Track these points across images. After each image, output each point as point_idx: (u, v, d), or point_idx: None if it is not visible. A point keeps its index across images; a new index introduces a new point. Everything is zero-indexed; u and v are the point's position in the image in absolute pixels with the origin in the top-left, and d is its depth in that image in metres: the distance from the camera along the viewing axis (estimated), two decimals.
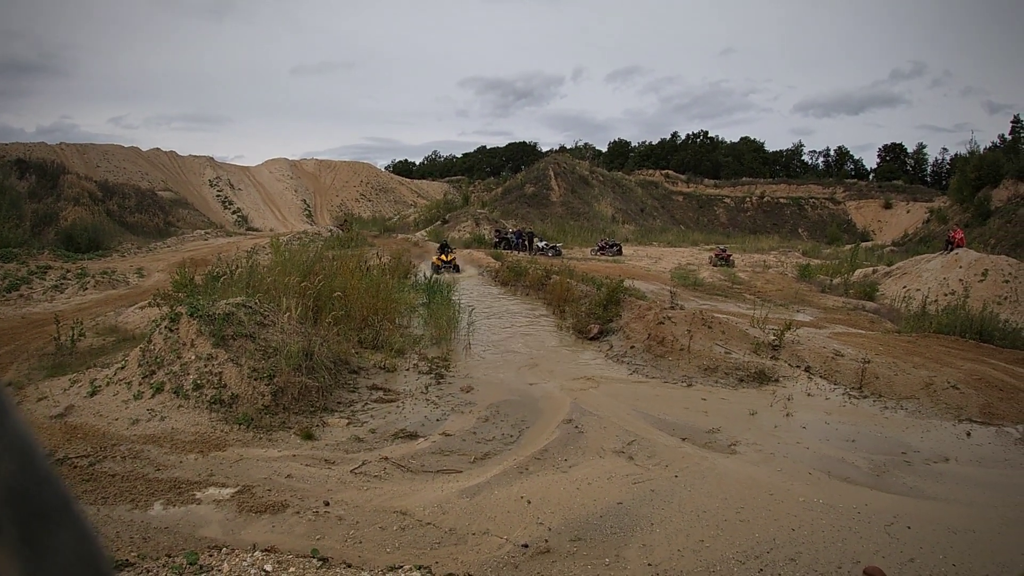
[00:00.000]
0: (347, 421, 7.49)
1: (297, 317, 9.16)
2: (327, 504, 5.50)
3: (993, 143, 64.10)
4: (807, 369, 10.33)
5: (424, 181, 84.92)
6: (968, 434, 8.30)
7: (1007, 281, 20.38)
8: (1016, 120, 69.38)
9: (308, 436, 7.03)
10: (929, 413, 8.98)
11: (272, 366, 7.90)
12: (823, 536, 5.40)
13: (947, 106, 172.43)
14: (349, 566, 4.20)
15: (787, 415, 8.51)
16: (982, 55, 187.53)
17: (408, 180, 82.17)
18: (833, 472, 6.79)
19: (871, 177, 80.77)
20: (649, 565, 4.81)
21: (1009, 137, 66.50)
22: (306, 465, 6.36)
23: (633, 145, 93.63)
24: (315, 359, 8.23)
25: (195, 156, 64.13)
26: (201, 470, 6.17)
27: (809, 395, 9.40)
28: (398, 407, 8.17)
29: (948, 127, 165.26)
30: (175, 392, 7.61)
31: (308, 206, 65.19)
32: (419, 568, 3.59)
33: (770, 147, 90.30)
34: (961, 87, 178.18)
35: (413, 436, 7.15)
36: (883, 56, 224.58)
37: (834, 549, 5.20)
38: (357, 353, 9.75)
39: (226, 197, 60.09)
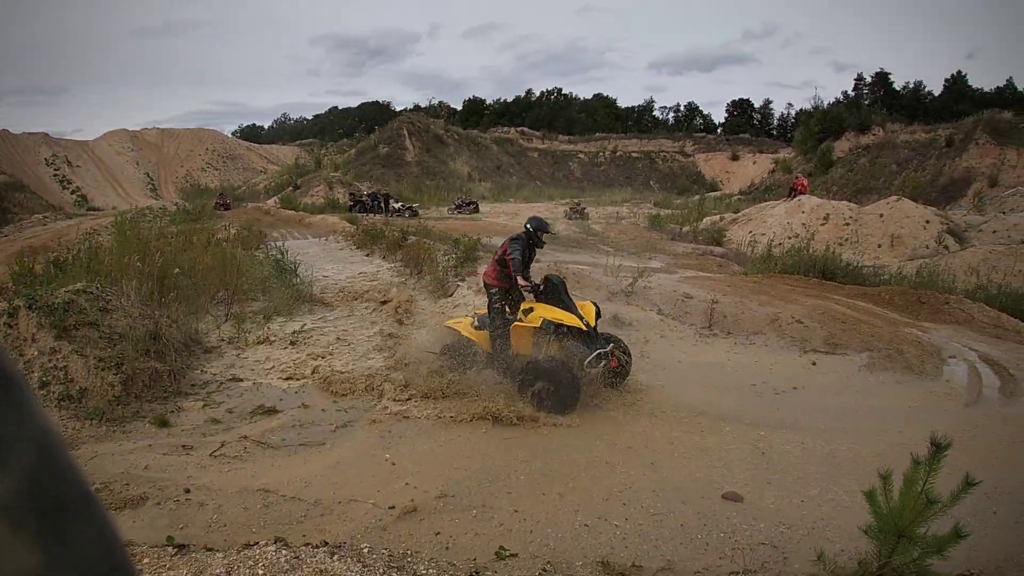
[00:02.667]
0: (203, 403, 7.14)
1: (141, 298, 8.67)
2: (188, 491, 5.29)
3: (837, 99, 69.42)
4: (659, 312, 10.79)
5: (274, 146, 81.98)
6: (814, 363, 8.93)
7: (848, 224, 22.09)
8: (859, 78, 75.64)
9: (163, 423, 6.69)
10: (776, 346, 9.60)
11: (119, 353, 7.44)
12: (683, 468, 5.73)
13: (796, 65, 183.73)
14: (210, 550, 4.07)
15: (642, 356, 8.89)
16: (832, 18, 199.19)
17: (257, 146, 79.20)
18: (691, 407, 7.16)
19: (719, 131, 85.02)
20: (516, 511, 4.94)
21: (852, 93, 72.35)
22: (164, 454, 6.06)
23: (488, 103, 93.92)
24: (164, 341, 7.83)
25: (29, 133, 58.96)
26: None
27: (662, 336, 9.82)
28: (254, 383, 7.86)
29: (795, 84, 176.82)
30: None
31: (151, 179, 61.65)
32: (275, 542, 3.54)
33: (623, 103, 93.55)
34: (810, 47, 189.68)
35: (272, 411, 6.90)
36: (737, 17, 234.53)
37: (694, 479, 5.53)
38: (208, 331, 9.32)
39: (64, 176, 55.78)
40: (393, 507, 4.96)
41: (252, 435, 6.33)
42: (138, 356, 7.37)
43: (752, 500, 5.18)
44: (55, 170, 55.94)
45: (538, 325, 7.24)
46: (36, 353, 7.33)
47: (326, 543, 3.53)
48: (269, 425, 6.59)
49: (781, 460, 5.90)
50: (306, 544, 3.51)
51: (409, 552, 3.74)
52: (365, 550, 3.44)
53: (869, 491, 3.44)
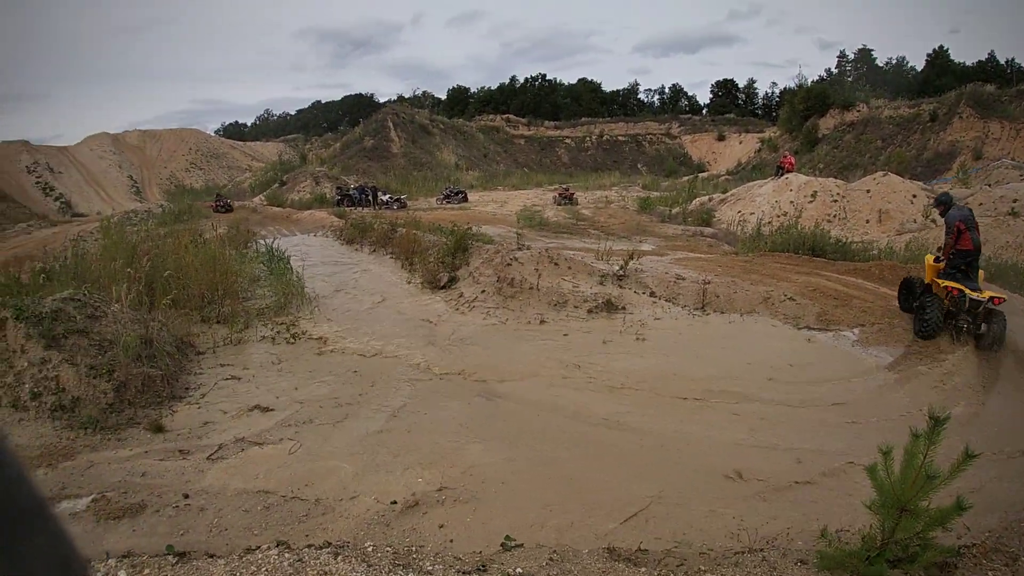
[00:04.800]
0: (197, 406, 7.08)
1: (130, 303, 8.56)
2: (187, 497, 5.22)
3: (820, 76, 69.99)
4: (652, 294, 10.78)
5: (258, 143, 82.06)
6: (809, 340, 8.92)
7: (835, 201, 22.10)
8: (842, 55, 76.29)
9: (158, 429, 6.61)
10: (770, 324, 9.59)
11: (110, 360, 7.34)
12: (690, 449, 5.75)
13: (780, 44, 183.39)
14: (211, 557, 4.02)
15: (638, 340, 8.86)
16: None
17: (241, 143, 79.11)
18: (692, 389, 7.18)
19: (704, 112, 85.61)
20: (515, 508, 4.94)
21: (836, 71, 72.94)
22: (160, 460, 5.98)
23: (473, 91, 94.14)
24: (155, 346, 7.73)
25: (8, 142, 58.13)
26: (52, 484, 5.65)
27: (657, 319, 9.81)
28: (249, 382, 7.76)
29: (779, 63, 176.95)
30: (13, 406, 6.87)
31: (135, 182, 61.18)
32: (278, 544, 3.49)
33: (607, 87, 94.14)
34: (795, 26, 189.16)
35: (267, 410, 6.82)
36: None
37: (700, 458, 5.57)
38: (200, 333, 9.21)
39: (46, 183, 55.20)
40: (395, 502, 4.93)
41: (249, 435, 6.26)
42: (130, 362, 7.28)
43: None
44: (37, 177, 55.36)
45: None
46: (26, 364, 7.22)
47: (329, 543, 3.49)
48: (266, 424, 6.52)
49: (782, 430, 6.03)
50: (308, 546, 3.47)
51: (413, 548, 3.70)
52: (369, 548, 3.39)
53: (870, 466, 3.42)
